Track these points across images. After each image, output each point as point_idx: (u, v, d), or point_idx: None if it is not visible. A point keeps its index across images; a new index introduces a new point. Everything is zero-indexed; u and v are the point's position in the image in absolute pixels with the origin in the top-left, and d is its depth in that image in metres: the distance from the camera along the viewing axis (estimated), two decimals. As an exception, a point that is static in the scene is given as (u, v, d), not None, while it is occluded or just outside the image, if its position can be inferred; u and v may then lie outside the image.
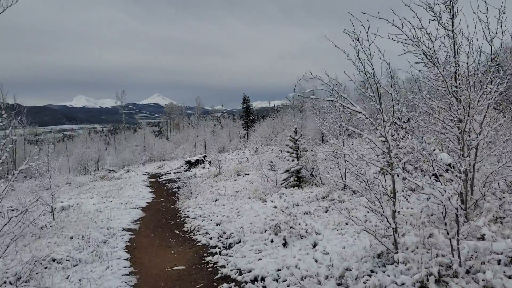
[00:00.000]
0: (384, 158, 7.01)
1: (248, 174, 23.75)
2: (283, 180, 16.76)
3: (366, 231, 6.69)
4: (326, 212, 11.29)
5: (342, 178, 13.60)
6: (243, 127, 73.69)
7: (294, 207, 12.68)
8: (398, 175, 6.83)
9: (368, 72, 6.58)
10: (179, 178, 31.18)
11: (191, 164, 38.83)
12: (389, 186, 7.08)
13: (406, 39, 7.48)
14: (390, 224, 6.45)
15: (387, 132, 6.59)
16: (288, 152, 16.69)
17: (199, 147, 58.81)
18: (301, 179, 16.38)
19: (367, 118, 6.61)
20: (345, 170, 13.68)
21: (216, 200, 16.77)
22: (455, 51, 7.92)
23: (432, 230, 7.12)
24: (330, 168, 18.03)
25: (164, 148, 65.01)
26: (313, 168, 16.26)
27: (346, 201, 11.81)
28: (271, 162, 25.81)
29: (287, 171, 16.57)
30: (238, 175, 24.57)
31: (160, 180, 32.65)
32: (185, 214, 15.38)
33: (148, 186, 28.43)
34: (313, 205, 12.28)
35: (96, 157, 56.86)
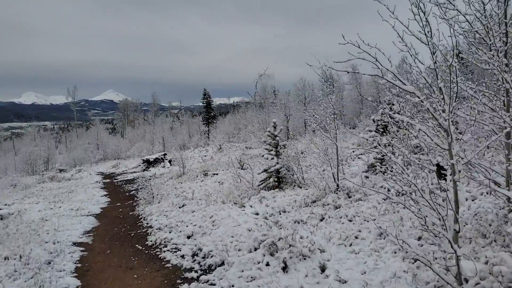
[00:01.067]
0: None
1: (217, 174, 21.58)
2: (260, 181, 14.74)
3: (421, 261, 4.74)
4: (322, 221, 9.37)
5: (335, 179, 11.69)
6: (204, 124, 71.15)
7: (280, 214, 10.70)
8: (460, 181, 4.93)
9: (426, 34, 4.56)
10: (137, 178, 28.51)
11: (149, 163, 36.14)
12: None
13: None
14: (453, 250, 4.54)
15: (449, 120, 4.66)
16: (266, 149, 14.68)
17: (157, 145, 55.93)
18: (281, 180, 14.42)
19: (423, 101, 4.65)
20: (337, 170, 11.78)
21: (183, 206, 14.55)
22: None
23: (501, 254, 5.29)
24: (318, 167, 16.21)
25: (118, 146, 61.50)
26: (297, 168, 14.33)
27: (343, 206, 9.92)
28: (240, 160, 23.78)
29: (265, 170, 14.57)
30: (205, 175, 22.35)
31: (116, 181, 29.86)
32: (147, 223, 13.08)
33: (102, 188, 25.68)
34: (304, 211, 10.34)
35: (46, 156, 52.73)
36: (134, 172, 34.85)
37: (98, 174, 38.05)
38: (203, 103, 73.50)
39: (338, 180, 11.51)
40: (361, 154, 18.66)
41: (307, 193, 12.21)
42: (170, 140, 57.23)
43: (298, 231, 8.79)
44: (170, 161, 35.38)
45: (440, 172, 7.05)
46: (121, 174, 35.34)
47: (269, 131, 14.52)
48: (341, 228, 8.43)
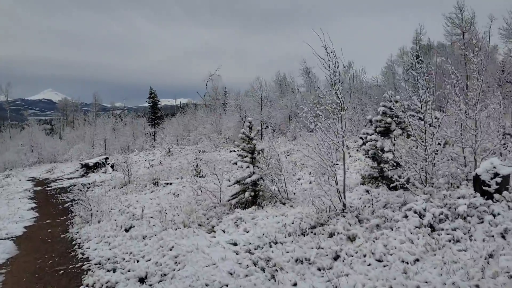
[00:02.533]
0: None
1: (170, 184, 18.33)
2: (232, 196, 11.77)
3: None
4: (336, 260, 6.59)
5: (340, 196, 8.90)
6: (150, 125, 66.98)
7: (271, 246, 7.80)
8: None
9: None
10: (73, 186, 24.63)
11: (88, 168, 32.05)
12: None
13: None
14: None
15: None
16: (240, 155, 11.73)
17: (98, 147, 51.35)
18: (258, 194, 11.56)
19: None
20: (344, 184, 9.02)
21: (130, 228, 11.31)
22: None
23: None
24: (313, 179, 13.50)
25: (56, 148, 56.19)
26: (278, 179, 11.48)
27: (360, 236, 7.18)
28: (196, 166, 20.70)
29: (237, 182, 11.64)
30: (156, 184, 19.06)
31: (49, 189, 25.74)
32: (83, 254, 9.76)
33: (31, 198, 21.67)
34: (305, 243, 7.48)
35: (-32, 158, 46.86)
36: (71, 178, 30.68)
37: (29, 180, 33.45)
38: (149, 103, 69.31)
39: (345, 197, 8.75)
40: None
41: (298, 213, 9.42)
42: (113, 142, 52.93)
43: (306, 278, 6.01)
44: (112, 166, 31.51)
45: None
46: (56, 180, 31.03)
47: (243, 133, 11.60)
48: (375, 276, 5.69)
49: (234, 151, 31.88)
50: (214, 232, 9.61)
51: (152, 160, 35.69)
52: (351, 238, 7.21)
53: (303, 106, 9.15)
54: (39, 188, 26.97)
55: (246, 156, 11.54)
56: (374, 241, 6.84)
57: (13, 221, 15.26)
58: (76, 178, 30.01)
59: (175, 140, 51.63)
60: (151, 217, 12.57)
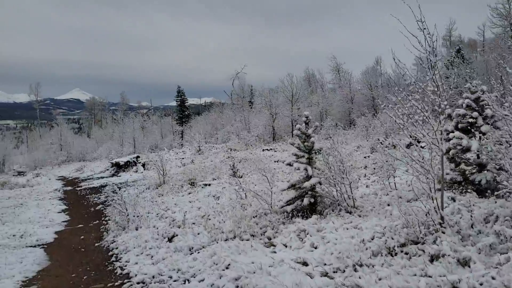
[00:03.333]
0: None
1: (209, 185, 17.03)
2: (287, 202, 10.32)
3: None
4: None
5: (438, 207, 7.22)
6: (178, 123, 66.28)
7: (356, 269, 6.32)
8: None
9: None
10: (105, 186, 23.72)
11: (119, 167, 31.18)
12: None
13: None
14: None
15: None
16: (296, 155, 10.27)
17: (127, 146, 50.70)
18: (317, 200, 10.09)
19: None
20: (442, 192, 7.37)
21: (173, 237, 10.03)
22: None
23: None
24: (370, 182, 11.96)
25: (84, 146, 56.04)
26: (342, 183, 9.95)
27: (476, 261, 5.60)
28: (233, 165, 19.38)
29: (293, 186, 10.21)
30: (192, 184, 17.82)
31: (79, 189, 24.85)
32: (122, 269, 8.49)
33: (61, 199, 20.76)
34: (400, 267, 5.98)
35: (1, 156, 46.84)
36: (102, 177, 29.83)
37: (59, 179, 32.84)
38: (177, 101, 68.69)
39: (442, 208, 7.14)
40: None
41: (376, 226, 7.91)
42: (141, 140, 52.24)
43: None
44: (143, 165, 30.56)
45: None
46: (86, 179, 30.23)
47: (299, 129, 10.13)
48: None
49: (267, 149, 30.49)
50: (274, 246, 8.21)
51: (183, 158, 34.60)
52: (463, 263, 5.67)
53: (390, 96, 7.59)
54: (69, 188, 26.17)
55: (303, 156, 10.06)
56: (498, 268, 5.28)
57: (44, 225, 14.24)
58: (106, 177, 29.15)
59: (203, 138, 50.61)
60: (194, 223, 11.30)
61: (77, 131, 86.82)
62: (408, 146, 22.52)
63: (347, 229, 8.20)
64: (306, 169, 9.84)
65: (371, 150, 22.42)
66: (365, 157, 20.75)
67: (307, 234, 8.25)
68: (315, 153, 10.07)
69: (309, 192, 9.87)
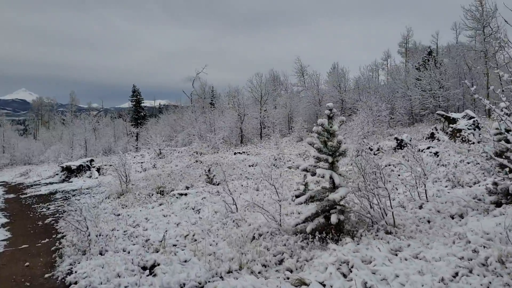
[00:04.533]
0: None
1: (185, 195, 14.35)
2: (305, 219, 7.93)
3: None
4: None
5: None
6: (132, 125, 62.67)
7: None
8: None
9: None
10: (54, 194, 20.48)
11: (71, 172, 27.72)
12: None
13: None
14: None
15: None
16: (317, 158, 7.89)
17: (77, 148, 46.74)
18: (345, 217, 7.77)
19: None
20: None
21: (154, 266, 7.48)
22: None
23: None
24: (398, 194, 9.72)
25: (30, 148, 51.31)
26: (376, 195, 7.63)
27: None
28: (209, 171, 16.91)
29: (311, 198, 7.89)
30: (162, 194, 15.14)
31: (24, 197, 21.34)
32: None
33: (1, 210, 17.37)
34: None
35: None
36: (51, 183, 26.28)
37: (0, 185, 28.85)
38: (131, 101, 65.11)
39: None
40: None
41: (446, 255, 5.73)
42: (93, 143, 48.44)
43: None
44: (98, 170, 27.32)
45: None
46: (32, 185, 26.53)
47: (321, 125, 7.81)
48: None
49: (239, 153, 28.11)
50: (306, 285, 5.83)
51: (142, 163, 31.54)
52: None
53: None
54: (11, 195, 22.56)
55: (325, 160, 7.76)
56: None
57: (-24, 246, 11.17)
58: (56, 183, 25.67)
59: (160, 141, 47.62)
60: (175, 245, 8.78)
61: (23, 132, 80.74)
62: (400, 147, 20.91)
63: (406, 259, 5.96)
64: (331, 177, 7.55)
65: (357, 153, 20.54)
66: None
67: (352, 267, 5.95)
68: (340, 155, 7.80)
69: (337, 207, 7.58)
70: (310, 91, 46.02)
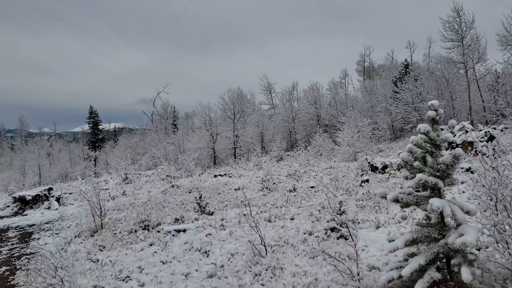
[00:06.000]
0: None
1: (184, 231, 11.41)
2: (411, 275, 5.41)
3: None
4: None
5: None
6: (90, 149, 58.46)
7: None
8: None
9: None
10: (6, 231, 16.97)
11: (25, 203, 23.91)
12: None
13: None
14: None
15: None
16: (424, 183, 5.41)
17: (30, 175, 42.25)
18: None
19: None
20: None
21: None
22: None
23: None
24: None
25: (-26, 177, 46.10)
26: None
27: None
28: (200, 199, 14.21)
29: (413, 241, 5.42)
30: (147, 229, 12.21)
31: (-33, 237, 17.60)
32: None
33: None
34: None
35: None
36: (0, 217, 22.42)
37: None
38: (89, 124, 60.98)
39: None
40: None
41: None
42: (48, 169, 44.15)
43: None
44: (58, 199, 23.77)
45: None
46: (-24, 222, 22.53)
47: (425, 134, 5.38)
48: None
49: (220, 175, 25.36)
50: None
51: (106, 189, 28.08)
52: None
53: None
54: (-49, 235, 18.71)
55: (431, 186, 5.31)
56: None
57: None
58: (7, 217, 21.83)
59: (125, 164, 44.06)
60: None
61: (-35, 160, 74.14)
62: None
63: None
64: (442, 211, 5.11)
65: (361, 173, 18.34)
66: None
67: None
68: (448, 177, 5.41)
69: (464, 255, 5.12)
70: (282, 108, 44.03)
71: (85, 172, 48.53)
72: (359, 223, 9.70)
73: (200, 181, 24.50)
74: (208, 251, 9.31)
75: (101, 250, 10.98)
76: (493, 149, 17.77)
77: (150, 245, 10.62)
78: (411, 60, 54.21)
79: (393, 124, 35.30)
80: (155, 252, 9.90)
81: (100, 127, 61.99)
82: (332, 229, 9.32)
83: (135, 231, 12.29)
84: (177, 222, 13.02)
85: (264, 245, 8.09)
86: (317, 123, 39.49)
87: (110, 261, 9.68)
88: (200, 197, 14.38)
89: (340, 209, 9.39)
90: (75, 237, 13.03)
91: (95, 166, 52.37)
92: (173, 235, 10.64)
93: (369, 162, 18.80)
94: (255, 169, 27.57)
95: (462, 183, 11.97)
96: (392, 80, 38.63)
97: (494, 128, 24.86)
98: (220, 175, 25.21)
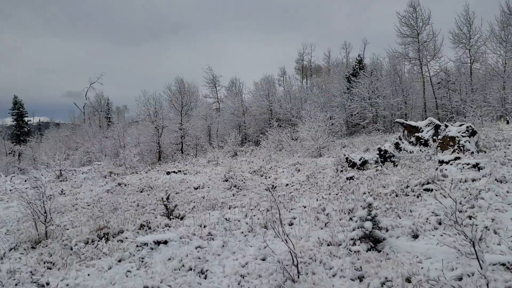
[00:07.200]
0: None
1: (164, 243, 8.94)
2: None
3: None
4: None
5: None
6: (14, 142, 52.93)
7: None
8: None
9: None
10: None
11: None
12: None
13: None
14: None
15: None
16: None
17: None
18: None
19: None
20: None
21: None
22: None
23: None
24: None
25: None
26: None
27: None
28: (167, 199, 11.87)
29: None
30: (105, 238, 9.66)
31: None
32: None
33: None
34: None
35: None
36: None
37: None
38: (13, 115, 55.14)
39: None
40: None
41: None
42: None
43: None
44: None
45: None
46: None
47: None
48: None
49: (174, 172, 22.80)
50: None
51: (35, 187, 24.41)
52: None
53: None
54: None
55: None
56: None
57: None
58: None
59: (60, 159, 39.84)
60: None
61: None
62: (384, 159, 17.67)
63: None
64: None
65: (340, 169, 16.72)
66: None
67: None
68: None
69: None
70: (232, 101, 41.90)
71: (7, 169, 43.58)
72: (387, 230, 7.92)
73: (151, 178, 21.81)
74: (206, 270, 7.07)
75: (50, 269, 8.33)
76: (476, 143, 16.93)
77: (119, 261, 8.13)
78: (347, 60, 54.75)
79: (347, 119, 34.53)
80: (129, 272, 7.48)
81: (26, 119, 56.28)
82: (361, 239, 7.46)
83: (92, 242, 9.68)
84: (143, 228, 10.59)
85: (297, 264, 6.01)
86: (270, 117, 37.86)
87: (68, 285, 7.16)
88: (167, 198, 11.96)
89: (370, 214, 7.55)
90: (10, 250, 10.13)
91: (19, 162, 47.17)
92: (152, 248, 8.21)
93: (347, 158, 17.26)
94: (211, 165, 25.26)
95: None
96: (346, 75, 37.94)
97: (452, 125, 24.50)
98: (174, 172, 22.66)
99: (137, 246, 8.45)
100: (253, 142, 37.90)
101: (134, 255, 8.19)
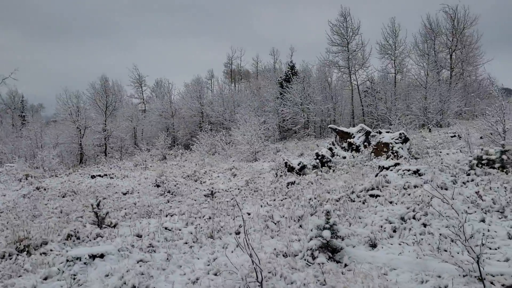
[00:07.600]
0: None
1: (101, 257, 7.79)
2: None
3: None
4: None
5: None
6: None
7: None
8: None
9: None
10: None
11: None
12: None
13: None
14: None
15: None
16: None
17: None
18: None
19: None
20: None
21: None
22: None
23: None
24: None
25: None
26: None
27: None
28: (97, 206, 10.75)
29: None
30: (27, 252, 8.36)
31: None
32: None
33: None
34: None
35: None
36: None
37: None
38: None
39: None
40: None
41: None
42: None
43: None
44: None
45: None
46: None
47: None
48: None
49: (99, 175, 21.17)
50: None
51: None
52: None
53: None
54: None
55: None
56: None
57: None
58: None
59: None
60: None
61: None
62: (322, 164, 17.57)
63: None
64: None
65: (280, 174, 16.33)
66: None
67: None
68: None
69: None
70: (159, 102, 40.36)
71: None
72: (343, 238, 7.54)
73: (73, 182, 20.06)
74: (152, 289, 6.21)
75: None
76: (408, 150, 17.42)
77: (45, 279, 6.99)
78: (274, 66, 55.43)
79: (280, 124, 34.64)
80: (62, 294, 6.42)
81: None
82: (319, 249, 7.01)
83: (10, 256, 8.34)
84: (70, 239, 9.39)
85: (261, 281, 5.36)
86: (201, 120, 36.93)
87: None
88: (98, 204, 10.79)
89: (328, 222, 7.13)
90: None
91: None
92: (85, 263, 7.14)
93: (286, 163, 16.98)
94: (139, 169, 23.87)
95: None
96: (278, 81, 38.07)
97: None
98: (100, 175, 21.04)
99: (67, 260, 7.31)
100: (182, 145, 36.75)
101: (63, 272, 7.07)
